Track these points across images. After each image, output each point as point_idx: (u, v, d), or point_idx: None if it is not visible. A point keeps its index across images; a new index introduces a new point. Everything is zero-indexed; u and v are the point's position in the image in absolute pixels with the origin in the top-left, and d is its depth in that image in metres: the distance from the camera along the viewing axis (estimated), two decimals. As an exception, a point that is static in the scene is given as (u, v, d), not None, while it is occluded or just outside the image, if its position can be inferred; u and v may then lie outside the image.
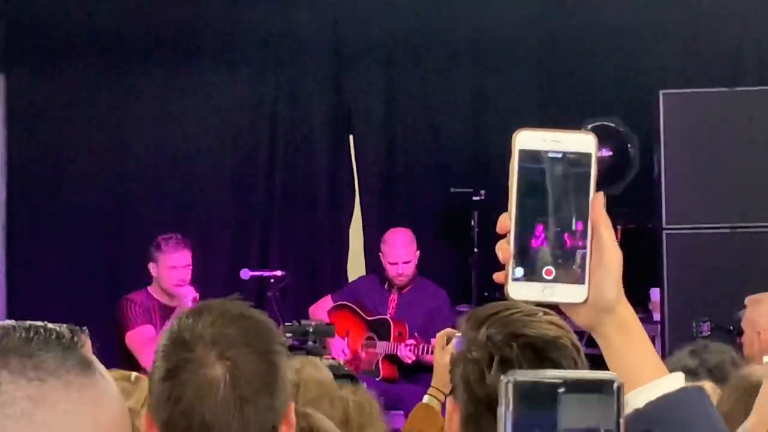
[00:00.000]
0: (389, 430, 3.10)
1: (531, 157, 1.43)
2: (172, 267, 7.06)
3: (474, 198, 7.93)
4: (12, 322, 1.24)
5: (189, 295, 6.96)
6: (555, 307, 1.56)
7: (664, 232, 7.31)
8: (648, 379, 1.50)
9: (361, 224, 8.54)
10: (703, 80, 7.72)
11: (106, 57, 8.27)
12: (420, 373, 7.17)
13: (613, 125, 7.79)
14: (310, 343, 5.15)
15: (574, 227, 1.44)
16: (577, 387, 1.17)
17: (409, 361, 7.36)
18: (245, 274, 7.48)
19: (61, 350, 1.21)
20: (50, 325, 1.24)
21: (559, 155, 1.43)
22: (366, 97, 8.50)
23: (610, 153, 7.67)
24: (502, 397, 1.16)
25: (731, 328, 5.82)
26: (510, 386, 1.16)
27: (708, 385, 3.29)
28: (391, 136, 8.53)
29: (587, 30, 8.11)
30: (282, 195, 8.48)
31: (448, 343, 3.52)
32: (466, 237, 8.00)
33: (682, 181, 7.27)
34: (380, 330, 7.56)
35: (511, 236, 1.43)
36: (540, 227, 1.43)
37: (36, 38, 8.24)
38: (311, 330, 5.21)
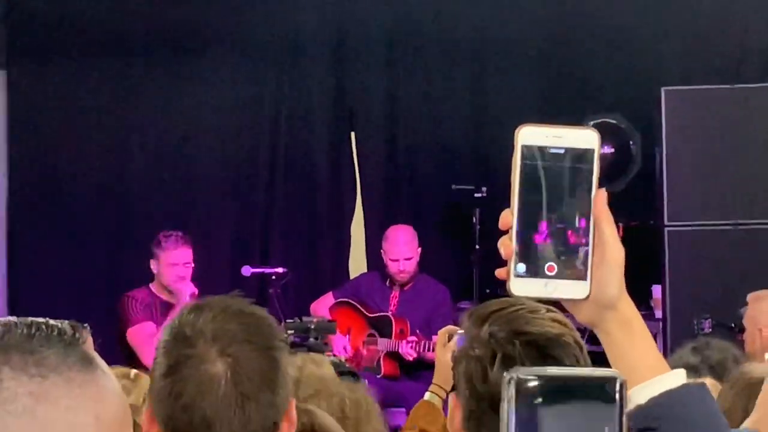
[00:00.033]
0: (387, 426, 3.09)
1: (533, 152, 1.43)
2: (173, 264, 7.08)
3: (475, 195, 7.92)
4: (13, 318, 1.24)
5: (187, 291, 6.97)
6: (557, 304, 1.56)
7: (666, 229, 7.31)
8: (650, 375, 1.49)
9: (362, 221, 8.54)
10: (705, 77, 7.72)
11: (107, 54, 8.26)
12: (421, 370, 7.17)
13: (614, 122, 7.79)
14: (311, 339, 5.16)
15: (576, 223, 1.44)
16: (579, 384, 1.17)
17: (411, 359, 7.36)
18: (247, 270, 7.48)
19: (63, 347, 1.21)
20: (52, 322, 1.24)
21: (562, 151, 1.43)
22: (368, 95, 8.50)
23: (612, 150, 7.66)
24: (505, 393, 1.16)
25: (733, 325, 5.82)
26: (513, 383, 1.16)
27: (709, 382, 3.28)
28: (392, 133, 8.53)
29: (589, 27, 8.10)
30: (284, 192, 8.48)
31: (449, 340, 3.52)
32: (467, 234, 8.00)
33: (684, 178, 7.27)
34: (382, 327, 7.56)
35: (514, 232, 1.43)
36: (542, 223, 1.43)
37: (37, 35, 8.23)
38: (313, 327, 5.22)
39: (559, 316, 2.10)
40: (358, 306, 7.64)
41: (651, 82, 7.63)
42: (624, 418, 1.16)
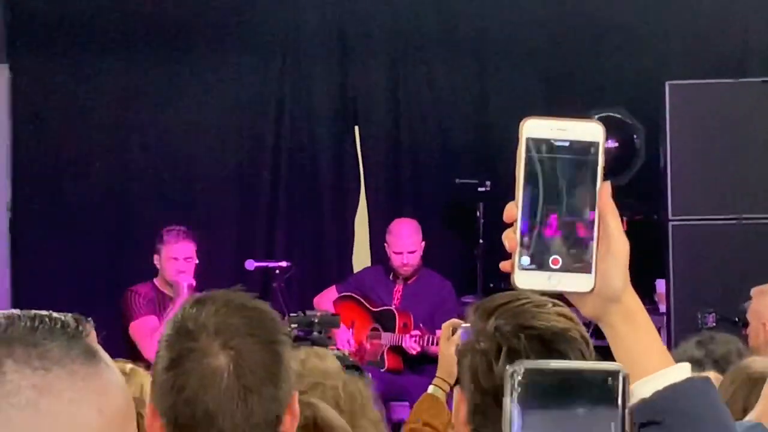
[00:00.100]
0: (386, 419, 3.09)
1: (538, 145, 1.43)
2: (174, 258, 7.09)
3: (479, 189, 7.92)
4: (17, 311, 1.23)
5: (185, 283, 6.98)
6: (563, 297, 1.56)
7: (670, 223, 7.31)
8: (654, 369, 1.49)
9: (366, 215, 8.54)
10: (710, 71, 7.71)
11: (110, 50, 8.26)
12: (425, 364, 7.16)
13: (619, 116, 7.79)
14: (315, 333, 5.16)
15: (581, 216, 1.43)
16: (582, 377, 1.17)
17: (414, 352, 7.35)
18: (250, 264, 7.49)
19: (66, 339, 1.21)
20: (55, 315, 1.24)
21: (567, 144, 1.43)
22: (371, 89, 8.50)
23: (616, 144, 7.66)
24: (508, 386, 1.16)
25: (736, 319, 5.81)
26: (516, 376, 1.16)
27: (713, 376, 3.28)
28: (396, 127, 8.52)
29: (593, 21, 8.09)
30: (287, 186, 8.48)
31: (453, 334, 3.51)
32: (471, 228, 8.00)
33: (688, 172, 7.27)
34: (385, 321, 7.56)
35: (518, 225, 1.43)
36: (547, 216, 1.43)
37: (40, 29, 8.23)
38: (316, 321, 5.22)
39: (565, 310, 2.10)
40: (362, 300, 7.64)
41: (655, 76, 7.62)
42: (627, 411, 1.16)
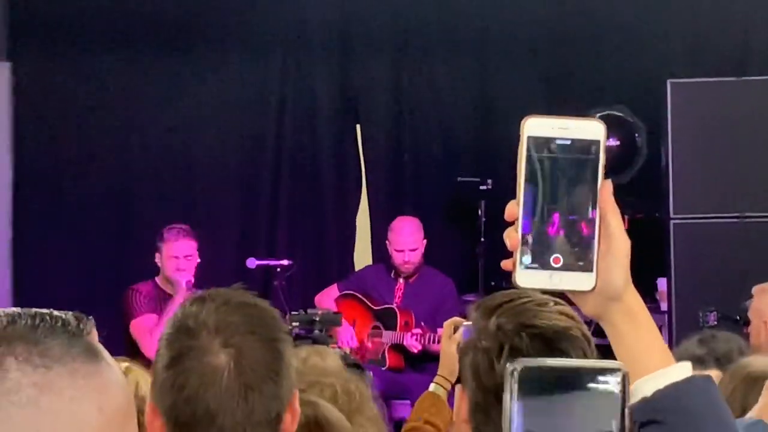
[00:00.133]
0: (385, 416, 3.09)
1: (539, 144, 1.42)
2: (174, 257, 7.10)
3: (481, 187, 7.92)
4: (18, 309, 1.23)
5: (183, 280, 6.98)
6: (564, 296, 1.56)
7: (672, 221, 7.31)
8: (655, 367, 1.49)
9: (368, 213, 8.54)
10: (711, 70, 7.71)
11: (112, 47, 8.26)
12: (426, 362, 7.16)
13: (620, 114, 7.79)
14: (316, 332, 5.15)
15: (582, 215, 1.43)
16: (581, 375, 1.17)
17: (416, 351, 7.35)
18: (252, 263, 7.49)
19: (67, 338, 1.21)
20: (56, 313, 1.24)
21: (568, 142, 1.43)
22: (373, 87, 8.50)
23: (618, 142, 7.66)
24: (507, 384, 1.16)
25: (738, 317, 5.81)
26: (515, 374, 1.16)
27: (715, 374, 3.28)
28: (398, 125, 8.53)
29: (595, 19, 8.09)
30: (289, 185, 8.48)
31: (455, 332, 3.51)
32: (472, 226, 8.00)
33: (690, 170, 7.27)
34: (387, 319, 7.56)
35: (519, 223, 1.43)
36: (548, 215, 1.43)
37: (42, 28, 8.23)
38: (318, 319, 5.21)
39: (567, 309, 2.10)
40: (363, 298, 7.64)
41: (657, 74, 7.62)
42: (626, 409, 1.16)
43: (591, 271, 1.43)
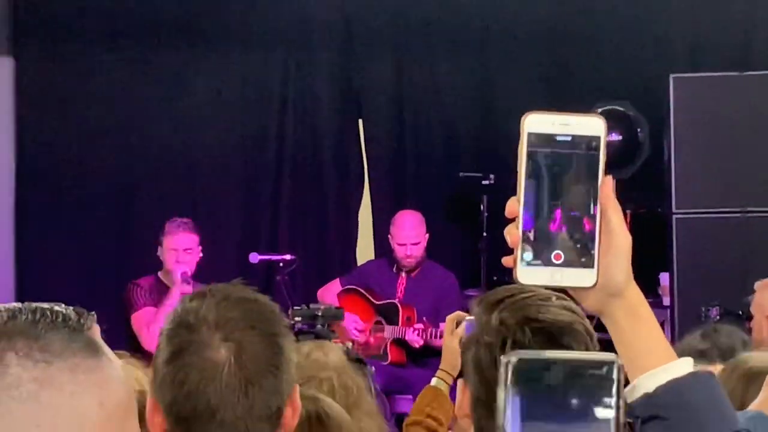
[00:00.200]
0: (386, 411, 3.09)
1: (540, 140, 1.42)
2: (173, 249, 7.11)
3: (483, 182, 7.92)
4: (18, 304, 1.23)
5: (179, 271, 6.98)
6: (565, 291, 1.56)
7: (674, 216, 7.30)
8: (657, 363, 1.49)
9: (370, 208, 8.54)
10: (714, 64, 7.70)
11: (115, 42, 8.26)
12: (428, 357, 7.16)
13: (622, 109, 7.78)
14: (318, 326, 5.15)
15: (583, 211, 1.43)
16: (576, 368, 1.16)
17: (418, 346, 7.35)
18: (254, 257, 7.49)
19: (68, 333, 1.21)
20: (57, 308, 1.24)
21: (568, 138, 1.42)
22: (375, 82, 8.50)
23: (620, 137, 7.65)
24: (502, 377, 1.16)
25: (740, 312, 5.81)
26: (510, 366, 1.16)
27: (717, 368, 3.28)
28: (400, 120, 8.52)
29: (597, 13, 8.09)
30: (291, 179, 8.48)
31: (457, 327, 3.51)
32: (475, 221, 8.00)
33: (692, 165, 7.26)
34: (389, 314, 7.56)
35: (520, 220, 1.43)
36: (549, 211, 1.42)
37: (46, 23, 8.23)
38: (320, 314, 5.20)
39: (570, 303, 2.10)
40: (365, 293, 7.64)
41: (659, 69, 7.61)
42: (622, 402, 1.16)
43: (592, 267, 1.43)
